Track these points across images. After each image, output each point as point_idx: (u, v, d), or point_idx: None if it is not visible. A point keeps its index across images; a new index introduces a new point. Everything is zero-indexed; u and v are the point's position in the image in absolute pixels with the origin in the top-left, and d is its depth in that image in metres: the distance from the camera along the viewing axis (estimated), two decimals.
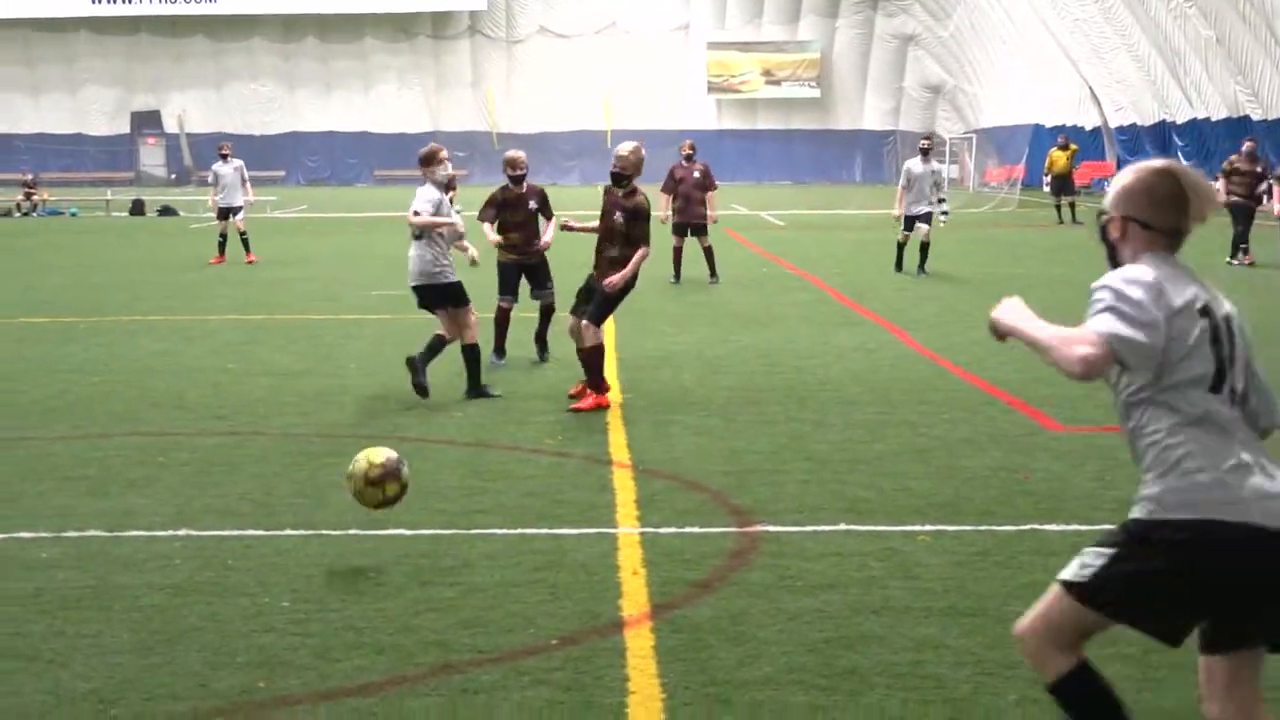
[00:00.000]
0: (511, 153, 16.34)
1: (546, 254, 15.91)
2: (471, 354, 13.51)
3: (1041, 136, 70.87)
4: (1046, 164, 43.80)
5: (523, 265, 15.92)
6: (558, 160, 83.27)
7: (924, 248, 25.80)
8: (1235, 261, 27.60)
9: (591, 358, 12.91)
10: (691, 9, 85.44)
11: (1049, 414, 12.40)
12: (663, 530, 8.71)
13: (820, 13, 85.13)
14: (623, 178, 13.43)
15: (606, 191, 13.71)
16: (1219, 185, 27.02)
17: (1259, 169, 29.22)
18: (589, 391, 12.92)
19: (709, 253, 24.64)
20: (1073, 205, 41.83)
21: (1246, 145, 29.88)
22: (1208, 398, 4.55)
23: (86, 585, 7.67)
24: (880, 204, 48.84)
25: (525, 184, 16.00)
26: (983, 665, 6.45)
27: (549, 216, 15.93)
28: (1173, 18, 54.57)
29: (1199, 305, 4.62)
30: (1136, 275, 4.51)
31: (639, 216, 13.29)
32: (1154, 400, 4.56)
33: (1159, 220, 4.68)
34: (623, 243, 13.17)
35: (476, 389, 13.38)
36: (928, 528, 8.75)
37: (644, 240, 13.29)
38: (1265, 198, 28.47)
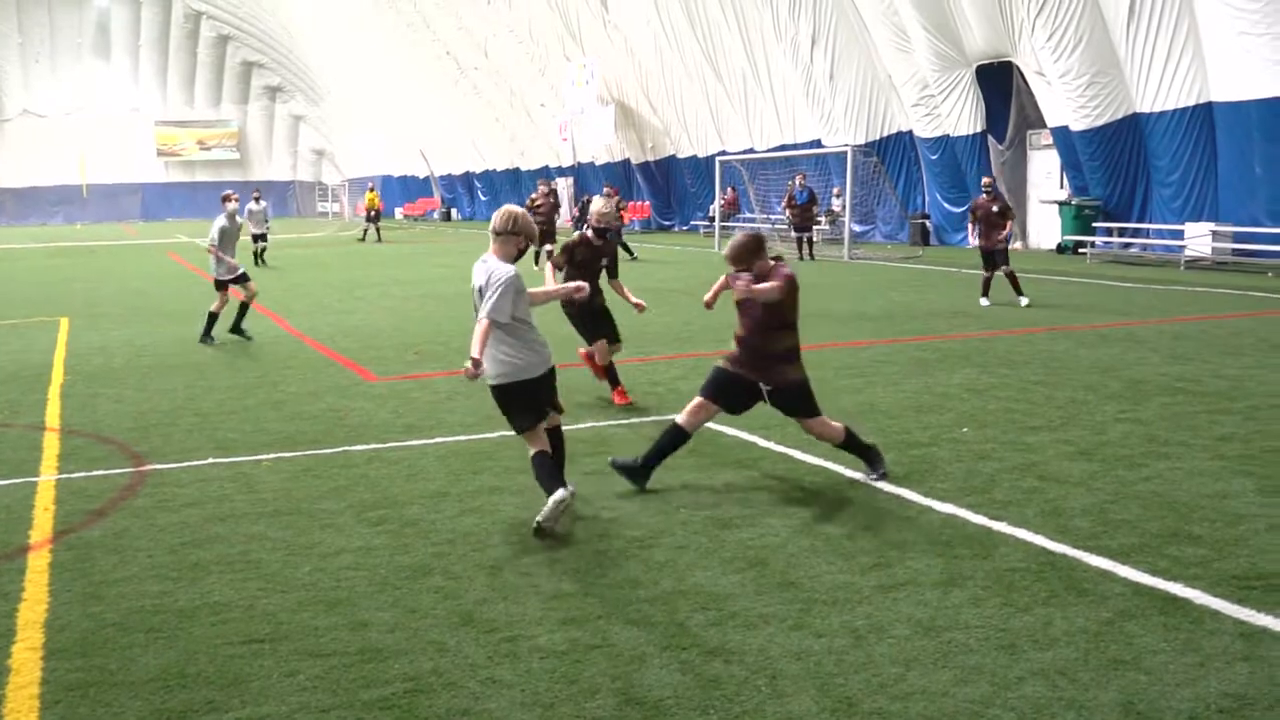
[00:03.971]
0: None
1: None
2: None
3: (391, 183, 70.75)
4: (366, 202, 45.10)
5: None
6: (45, 207, 76.23)
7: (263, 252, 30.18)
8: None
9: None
10: (141, 96, 79.97)
11: (371, 369, 12.31)
12: (75, 475, 7.98)
13: (235, 100, 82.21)
14: (609, 230, 9.98)
15: (588, 244, 9.85)
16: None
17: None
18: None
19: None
20: (379, 229, 43.15)
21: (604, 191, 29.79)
22: None
23: None
24: (286, 230, 47.40)
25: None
26: (290, 547, 6.26)
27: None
28: (471, 105, 55.57)
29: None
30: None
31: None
32: None
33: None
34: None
35: None
36: (271, 456, 8.44)
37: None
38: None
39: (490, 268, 6.46)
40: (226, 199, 15.72)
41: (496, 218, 6.59)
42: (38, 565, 6.05)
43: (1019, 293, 17.33)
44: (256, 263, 29.48)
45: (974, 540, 6.11)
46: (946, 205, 32.33)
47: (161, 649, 4.89)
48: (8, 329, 17.06)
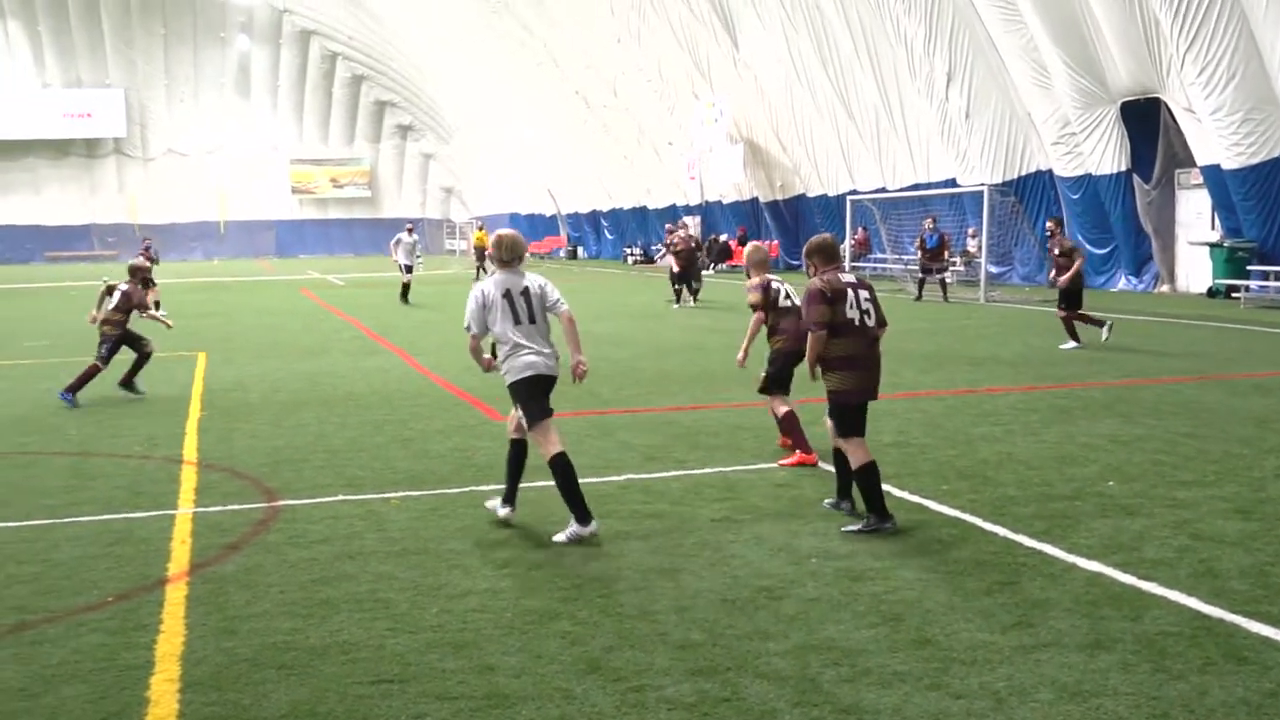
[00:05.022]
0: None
1: None
2: None
3: (518, 220, 71.88)
4: (474, 241, 47.05)
5: None
6: (184, 242, 79.31)
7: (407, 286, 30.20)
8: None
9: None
10: (279, 134, 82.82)
11: (497, 409, 12.47)
12: (211, 509, 8.24)
13: (368, 138, 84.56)
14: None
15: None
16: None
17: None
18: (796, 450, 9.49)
19: None
20: (482, 268, 43.90)
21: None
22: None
23: None
24: (426, 267, 48.70)
25: None
26: (418, 588, 6.35)
27: None
28: (599, 143, 56.30)
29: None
30: None
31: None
32: None
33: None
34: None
35: None
36: (399, 494, 8.60)
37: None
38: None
39: (534, 278, 7.54)
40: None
41: (517, 245, 7.58)
42: (175, 598, 6.25)
43: (1071, 336, 17.46)
44: (404, 298, 29.80)
45: (1122, 600, 5.92)
46: (1089, 246, 31.52)
47: (293, 686, 5.00)
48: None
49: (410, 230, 32.25)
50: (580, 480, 8.75)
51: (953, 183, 34.25)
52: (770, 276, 9.77)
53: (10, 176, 77.37)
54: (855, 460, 7.40)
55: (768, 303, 9.62)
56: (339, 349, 19.21)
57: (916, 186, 35.96)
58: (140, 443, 10.91)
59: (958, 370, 15.19)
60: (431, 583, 6.43)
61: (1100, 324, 17.57)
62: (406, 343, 19.81)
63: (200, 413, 12.63)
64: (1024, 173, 32.53)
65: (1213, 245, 27.36)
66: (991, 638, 5.43)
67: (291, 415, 12.37)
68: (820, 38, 36.80)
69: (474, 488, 8.74)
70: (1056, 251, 18.07)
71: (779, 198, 45.34)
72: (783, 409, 9.58)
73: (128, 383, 13.93)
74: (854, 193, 37.80)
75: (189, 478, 9.31)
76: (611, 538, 7.25)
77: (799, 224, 44.68)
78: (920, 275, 29.14)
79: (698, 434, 10.84)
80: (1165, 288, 29.82)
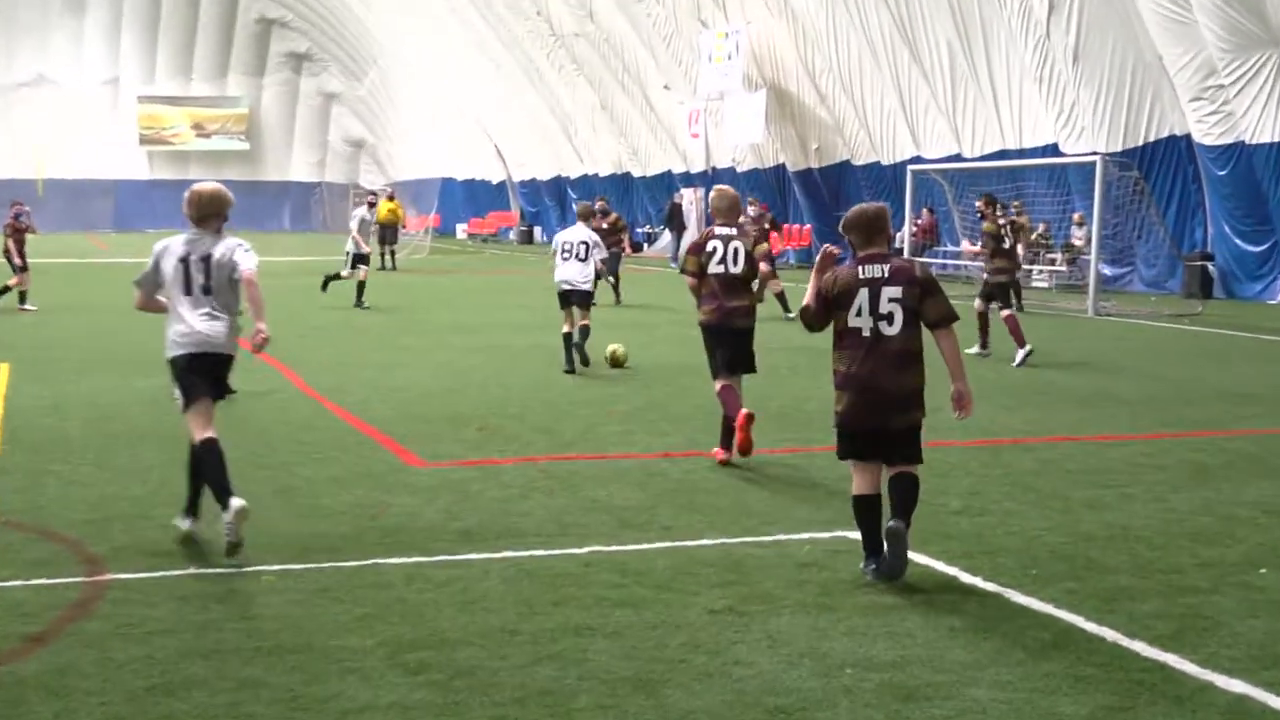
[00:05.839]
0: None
1: None
2: None
3: (453, 189, 72.12)
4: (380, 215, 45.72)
5: None
6: None
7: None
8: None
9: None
10: (120, 64, 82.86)
11: (414, 451, 12.45)
12: (9, 583, 8.16)
13: (247, 71, 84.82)
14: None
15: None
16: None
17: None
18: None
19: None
20: (394, 252, 44.35)
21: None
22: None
23: None
24: (307, 250, 48.79)
25: None
26: (297, 700, 6.30)
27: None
28: (568, 86, 56.47)
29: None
30: None
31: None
32: None
33: None
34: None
35: None
36: (275, 567, 8.55)
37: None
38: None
39: (229, 242, 9.05)
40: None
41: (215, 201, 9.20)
42: None
43: (980, 343, 19.77)
44: (359, 302, 28.83)
45: None
46: (1238, 241, 31.79)
47: None
48: None
49: (371, 204, 32.36)
50: (517, 553, 8.79)
51: (1054, 150, 34.46)
52: (719, 232, 11.69)
53: None
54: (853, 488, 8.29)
55: (699, 268, 11.63)
56: None
57: (1004, 155, 36.17)
58: None
59: (1054, 410, 15.23)
60: (317, 693, 6.39)
61: (1021, 344, 19.15)
62: (294, 356, 19.70)
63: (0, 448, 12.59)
64: (1151, 139, 32.77)
65: None
66: None
67: (127, 452, 12.34)
68: None
69: (379, 561, 8.70)
70: (991, 234, 20.10)
71: (814, 165, 45.59)
72: (717, 385, 11.73)
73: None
74: (917, 160, 38.00)
75: None
76: (569, 633, 7.21)
77: (840, 201, 44.85)
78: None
79: (693, 490, 10.83)
80: None
